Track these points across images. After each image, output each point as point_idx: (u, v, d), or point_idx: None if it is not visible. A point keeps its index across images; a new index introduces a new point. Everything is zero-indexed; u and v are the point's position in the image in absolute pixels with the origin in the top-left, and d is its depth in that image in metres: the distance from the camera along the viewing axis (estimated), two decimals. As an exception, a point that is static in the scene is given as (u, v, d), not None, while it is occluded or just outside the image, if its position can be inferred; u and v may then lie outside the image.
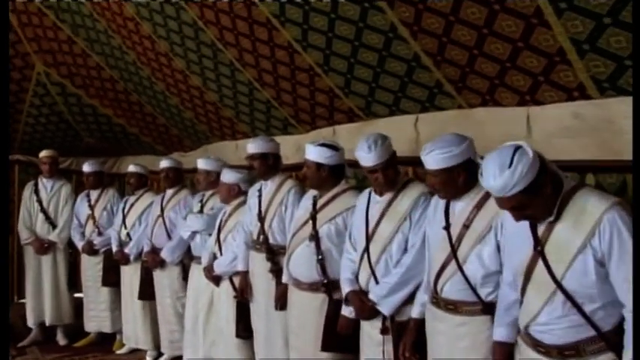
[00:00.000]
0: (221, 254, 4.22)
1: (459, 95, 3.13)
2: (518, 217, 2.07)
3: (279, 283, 3.67)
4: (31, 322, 5.80)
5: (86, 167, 5.72)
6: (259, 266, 3.85)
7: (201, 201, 4.74)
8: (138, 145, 6.76)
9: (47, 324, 5.76)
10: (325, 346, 3.22)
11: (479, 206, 2.51)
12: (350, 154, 3.47)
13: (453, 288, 2.55)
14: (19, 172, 6.94)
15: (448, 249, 2.54)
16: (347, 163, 3.41)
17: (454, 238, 2.54)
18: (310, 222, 3.36)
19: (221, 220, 4.30)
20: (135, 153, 6.97)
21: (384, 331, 2.94)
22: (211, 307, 4.43)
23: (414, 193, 2.94)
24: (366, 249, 2.98)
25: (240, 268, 4.02)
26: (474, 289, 2.49)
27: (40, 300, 5.76)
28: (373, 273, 2.95)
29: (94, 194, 5.73)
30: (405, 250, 2.91)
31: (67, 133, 6.69)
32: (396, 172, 3.01)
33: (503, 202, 2.03)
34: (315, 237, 3.32)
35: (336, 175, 3.36)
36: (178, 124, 5.80)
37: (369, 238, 2.98)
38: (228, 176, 4.27)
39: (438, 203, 2.70)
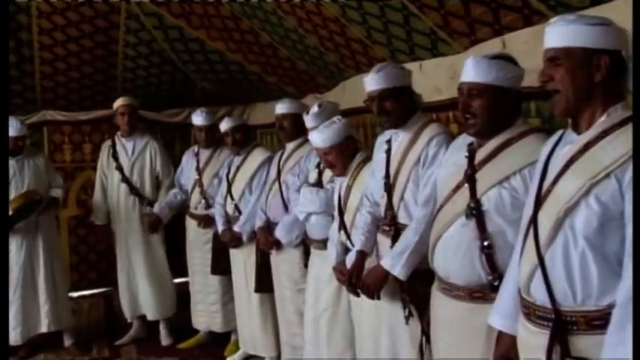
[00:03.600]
0: (352, 245, 3.21)
1: None
2: None
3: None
4: (128, 315, 5.15)
5: (195, 119, 4.82)
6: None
7: (319, 165, 3.70)
8: (264, 87, 5.87)
9: (148, 318, 5.09)
10: None
11: None
12: (528, 77, 2.38)
13: None
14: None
15: None
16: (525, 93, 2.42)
17: None
18: (467, 186, 2.32)
19: (340, 196, 3.28)
20: (262, 99, 6.16)
21: None
22: (337, 307, 3.47)
23: (628, 136, 1.74)
24: (533, 220, 1.90)
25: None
26: None
27: (134, 289, 5.03)
28: (542, 263, 1.81)
29: (203, 155, 4.86)
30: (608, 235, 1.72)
31: (175, 77, 5.88)
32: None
33: None
34: (476, 210, 2.26)
35: (514, 110, 2.37)
36: (304, 55, 4.79)
37: (539, 202, 1.89)
38: None
39: None
